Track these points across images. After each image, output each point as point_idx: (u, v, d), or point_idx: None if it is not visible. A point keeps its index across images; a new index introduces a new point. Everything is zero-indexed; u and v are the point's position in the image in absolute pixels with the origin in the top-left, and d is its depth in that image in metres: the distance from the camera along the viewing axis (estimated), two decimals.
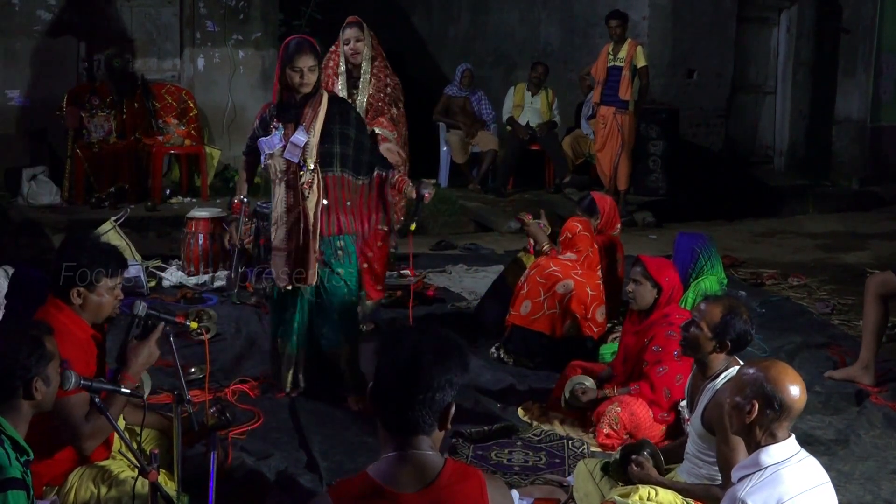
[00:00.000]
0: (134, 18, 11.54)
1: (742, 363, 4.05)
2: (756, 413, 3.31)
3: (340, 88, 6.82)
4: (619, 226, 7.28)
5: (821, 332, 7.49)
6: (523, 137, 12.36)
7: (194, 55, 11.77)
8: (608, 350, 6.38)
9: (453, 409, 2.73)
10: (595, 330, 6.50)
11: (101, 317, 4.06)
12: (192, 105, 11.28)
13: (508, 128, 12.61)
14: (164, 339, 4.03)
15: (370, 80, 6.87)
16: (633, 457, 4.28)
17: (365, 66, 6.86)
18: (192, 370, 5.86)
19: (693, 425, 4.19)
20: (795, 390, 3.32)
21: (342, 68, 6.87)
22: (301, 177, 5.50)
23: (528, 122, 12.47)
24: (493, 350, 6.69)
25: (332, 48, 6.96)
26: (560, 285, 6.44)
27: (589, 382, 5.57)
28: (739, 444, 3.63)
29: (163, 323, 4.01)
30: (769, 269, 9.37)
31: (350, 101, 6.72)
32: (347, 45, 6.81)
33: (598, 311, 6.52)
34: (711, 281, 6.27)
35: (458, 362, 2.72)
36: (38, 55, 10.92)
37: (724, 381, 4.04)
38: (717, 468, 3.99)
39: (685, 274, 6.16)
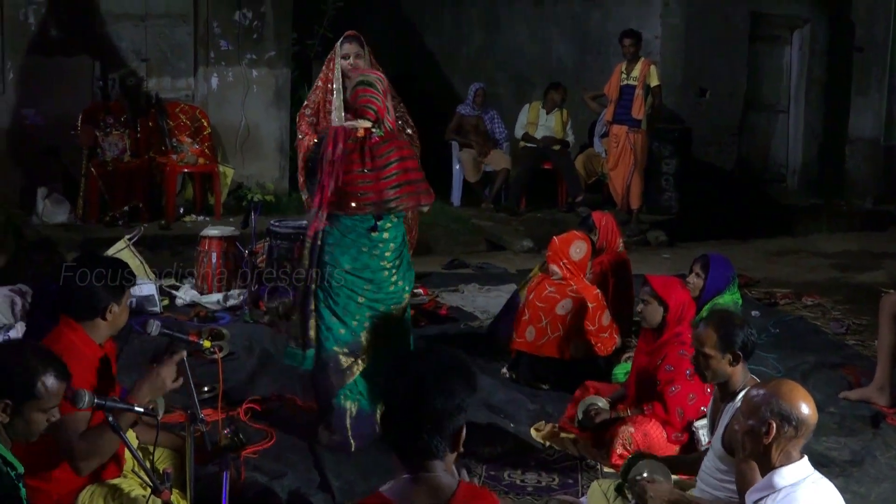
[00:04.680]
0: (148, 37, 11.59)
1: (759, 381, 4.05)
2: (774, 432, 3.29)
3: (336, 106, 6.74)
4: (620, 241, 7.28)
5: (835, 352, 7.46)
6: (540, 147, 12.35)
7: (208, 74, 11.81)
8: (621, 370, 6.36)
9: (465, 432, 2.72)
10: (604, 336, 6.46)
11: (120, 327, 4.10)
12: (205, 124, 11.31)
13: (522, 144, 12.61)
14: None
15: None
16: (642, 476, 4.26)
17: None
18: (205, 389, 5.86)
19: (713, 447, 4.18)
20: (808, 406, 3.32)
21: (337, 85, 6.77)
22: None
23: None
24: (503, 371, 6.67)
25: (327, 62, 6.87)
26: (559, 306, 6.43)
27: (602, 403, 5.56)
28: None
29: (183, 353, 4.00)
30: (783, 289, 9.34)
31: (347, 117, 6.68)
32: (346, 59, 6.60)
33: (604, 317, 6.50)
34: (726, 300, 6.26)
35: (463, 385, 2.73)
36: (53, 74, 10.97)
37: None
38: (734, 489, 3.97)
39: (711, 298, 6.18)
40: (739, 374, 4.22)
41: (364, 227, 5.39)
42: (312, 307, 5.46)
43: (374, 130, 5.40)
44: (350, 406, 5.51)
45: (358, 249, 5.40)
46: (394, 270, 5.48)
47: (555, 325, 6.41)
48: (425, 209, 5.73)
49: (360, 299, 5.41)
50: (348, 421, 5.49)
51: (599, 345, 6.46)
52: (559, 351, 6.42)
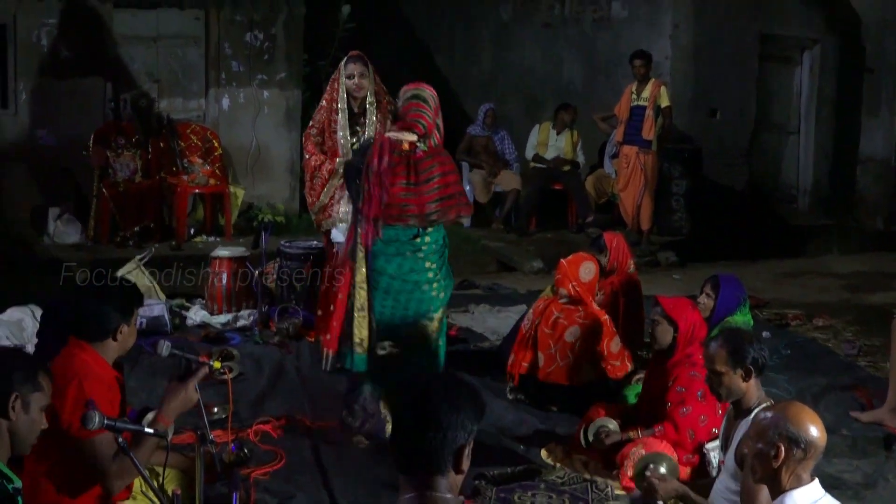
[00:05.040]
0: (160, 59, 11.66)
1: (772, 402, 4.04)
2: (783, 455, 3.28)
3: (342, 125, 6.78)
4: (631, 262, 7.26)
5: (847, 373, 7.42)
6: (550, 167, 12.37)
7: (219, 95, 11.86)
8: (632, 391, 6.33)
9: (467, 452, 2.74)
10: (615, 364, 6.44)
11: (128, 348, 4.10)
12: (216, 144, 11.35)
13: (532, 164, 12.62)
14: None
15: (377, 116, 6.82)
16: (648, 473, 4.26)
17: (371, 99, 6.81)
18: (215, 410, 5.86)
19: (726, 465, 4.17)
20: (817, 428, 3.30)
21: (342, 105, 6.80)
22: None
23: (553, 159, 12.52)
24: (509, 395, 6.62)
25: (331, 83, 6.90)
26: (568, 333, 6.40)
27: (612, 424, 5.54)
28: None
29: (206, 367, 4.02)
30: (794, 310, 9.31)
31: (354, 138, 6.71)
32: (351, 79, 6.71)
33: (613, 344, 6.46)
34: (737, 321, 6.25)
35: (470, 405, 2.75)
36: (66, 95, 11.03)
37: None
38: None
39: (722, 319, 6.16)
40: (753, 390, 4.23)
41: (407, 236, 5.54)
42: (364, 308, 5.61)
43: (419, 145, 5.48)
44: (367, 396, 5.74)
45: (402, 256, 5.55)
46: (437, 271, 5.64)
47: (563, 352, 6.37)
48: (464, 220, 5.91)
49: (406, 301, 5.58)
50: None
51: (610, 370, 6.43)
52: (568, 378, 6.38)
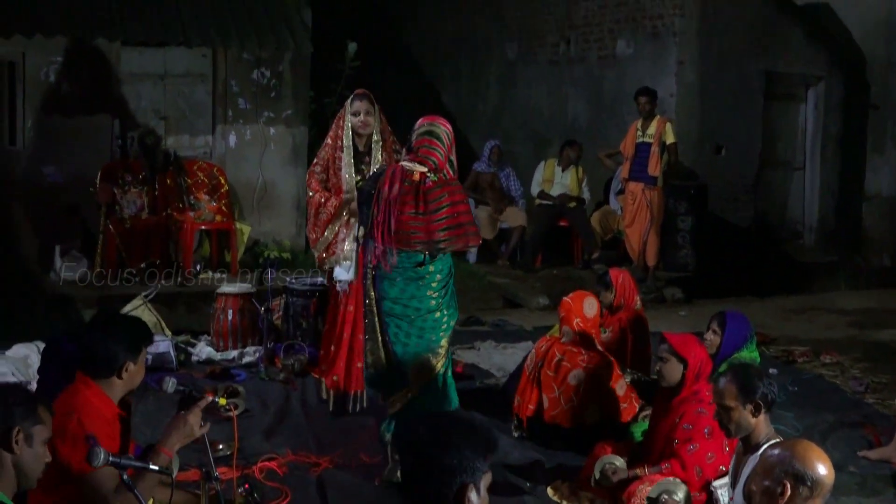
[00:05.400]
0: (167, 96, 11.73)
1: (781, 439, 4.03)
2: (789, 493, 3.26)
3: (347, 163, 6.77)
4: (637, 298, 7.24)
5: (855, 410, 7.39)
6: (556, 204, 12.39)
7: (226, 132, 11.92)
8: (638, 429, 6.30)
9: (474, 491, 2.71)
10: (623, 406, 6.41)
11: (135, 386, 4.10)
12: (223, 181, 11.38)
13: (538, 201, 12.64)
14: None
15: (382, 155, 6.76)
16: (664, 501, 4.23)
17: (376, 137, 6.77)
18: (220, 447, 5.83)
19: (736, 501, 4.15)
20: (824, 466, 3.29)
21: (347, 142, 6.79)
22: None
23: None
24: (514, 432, 6.58)
25: (336, 120, 6.89)
26: (571, 377, 6.36)
27: (619, 462, 5.51)
28: None
29: (208, 399, 4.01)
30: (801, 347, 9.28)
31: (359, 177, 6.70)
32: (356, 116, 6.67)
33: (619, 387, 6.43)
34: (744, 357, 6.22)
35: (475, 443, 2.73)
36: (73, 132, 11.08)
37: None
38: None
39: (729, 356, 6.14)
40: (762, 426, 4.22)
41: (412, 263, 5.54)
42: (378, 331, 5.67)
43: (429, 176, 5.50)
44: (388, 439, 5.75)
45: (405, 280, 5.56)
46: (440, 300, 5.63)
47: (567, 395, 6.33)
48: (472, 249, 5.93)
49: (409, 327, 5.58)
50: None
51: (617, 412, 6.38)
52: (574, 420, 6.33)
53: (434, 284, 5.61)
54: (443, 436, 2.71)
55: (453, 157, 5.70)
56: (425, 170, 5.53)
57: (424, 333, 5.61)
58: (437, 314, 5.64)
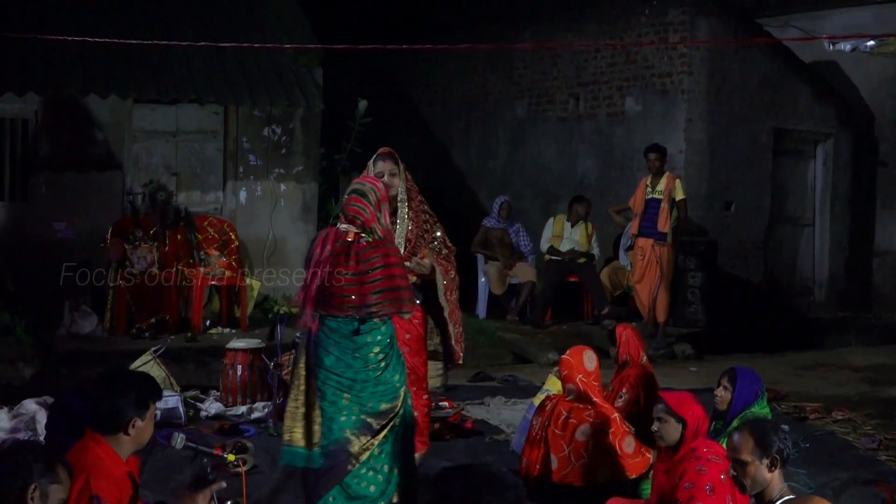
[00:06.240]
0: (179, 152, 11.82)
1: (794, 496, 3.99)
2: None
3: None
4: (643, 354, 7.20)
5: (868, 468, 7.32)
6: (566, 259, 12.40)
7: (237, 188, 11.99)
8: (648, 486, 6.24)
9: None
10: (635, 461, 6.34)
11: (144, 442, 4.07)
12: (233, 237, 11.43)
13: (547, 257, 12.65)
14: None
15: (408, 214, 6.47)
16: None
17: (401, 197, 6.42)
18: (229, 503, 5.80)
19: None
20: None
21: None
22: None
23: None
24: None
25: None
26: (579, 433, 6.29)
27: None
28: None
29: (221, 484, 3.96)
30: (812, 403, 9.21)
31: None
32: (381, 178, 6.23)
33: (626, 444, 6.36)
34: (754, 413, 6.18)
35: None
36: (85, 188, 11.17)
37: None
38: None
39: (740, 412, 6.10)
40: (777, 481, 4.18)
41: (347, 330, 5.40)
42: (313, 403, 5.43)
43: (363, 235, 5.45)
44: None
45: (341, 350, 5.39)
46: (378, 372, 5.41)
47: (578, 452, 6.26)
48: (406, 317, 5.73)
49: (346, 396, 5.37)
50: None
51: (628, 469, 6.32)
52: (585, 479, 6.24)
53: (371, 356, 5.40)
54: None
55: (381, 216, 5.59)
56: (356, 229, 5.47)
57: (365, 404, 5.38)
58: (381, 374, 5.42)
